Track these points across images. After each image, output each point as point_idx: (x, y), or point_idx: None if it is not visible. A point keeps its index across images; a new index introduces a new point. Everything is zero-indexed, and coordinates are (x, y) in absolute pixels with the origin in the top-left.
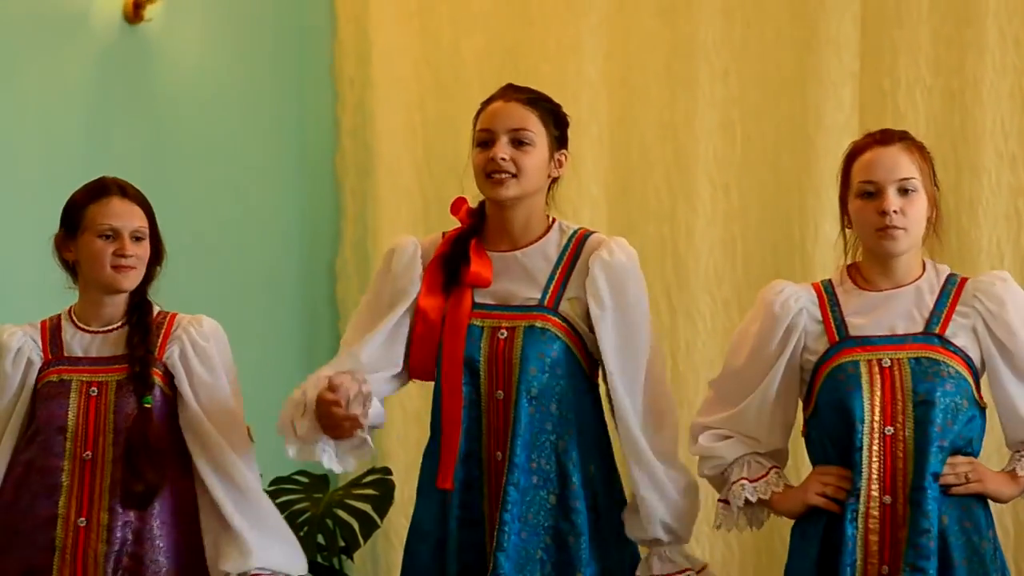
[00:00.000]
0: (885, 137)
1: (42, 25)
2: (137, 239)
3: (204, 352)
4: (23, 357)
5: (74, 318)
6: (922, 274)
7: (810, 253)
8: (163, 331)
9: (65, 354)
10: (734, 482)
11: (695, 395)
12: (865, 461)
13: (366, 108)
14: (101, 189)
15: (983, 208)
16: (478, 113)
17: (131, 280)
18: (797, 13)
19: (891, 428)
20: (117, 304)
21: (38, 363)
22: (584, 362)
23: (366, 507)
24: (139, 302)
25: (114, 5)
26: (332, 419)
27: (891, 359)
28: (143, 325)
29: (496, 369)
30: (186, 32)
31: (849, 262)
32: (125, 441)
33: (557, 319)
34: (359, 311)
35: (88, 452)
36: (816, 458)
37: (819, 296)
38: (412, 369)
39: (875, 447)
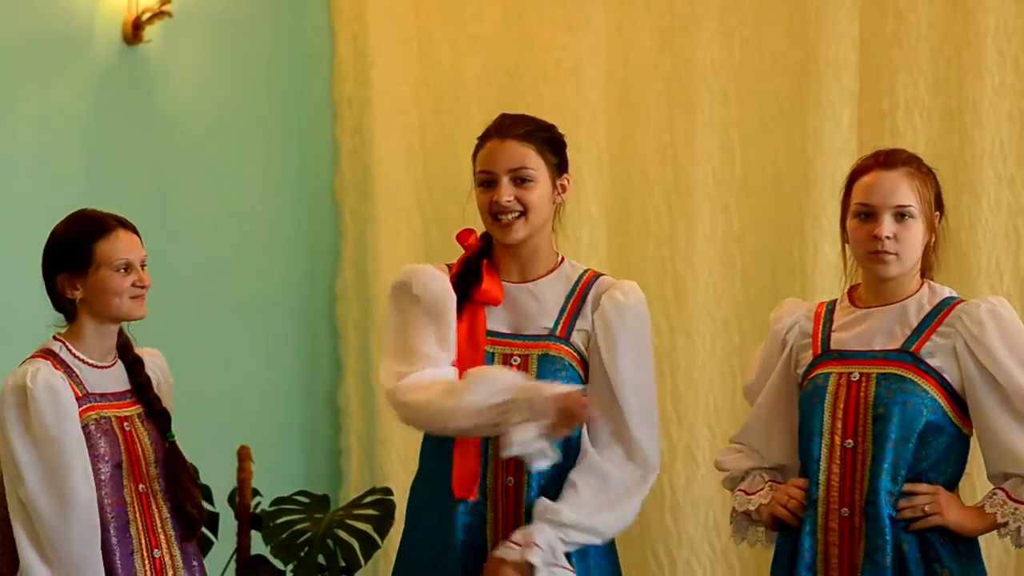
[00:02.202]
0: (889, 160)
1: (42, 46)
2: (143, 267)
3: (167, 383)
4: (70, 393)
5: (77, 354)
6: (914, 293)
7: (809, 274)
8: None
9: (90, 391)
10: (734, 494)
11: (695, 414)
12: (824, 473)
13: (365, 130)
14: (101, 224)
15: (982, 228)
16: (476, 150)
17: (145, 309)
18: (796, 35)
19: (851, 441)
20: (114, 336)
21: (73, 404)
22: None
23: (367, 527)
24: (126, 342)
25: (114, 26)
26: (572, 415)
27: (861, 374)
28: (138, 359)
29: None
30: (185, 53)
31: (850, 278)
32: (166, 476)
33: (569, 348)
34: (403, 331)
35: (142, 486)
36: (799, 469)
37: (817, 314)
38: None
39: (836, 459)
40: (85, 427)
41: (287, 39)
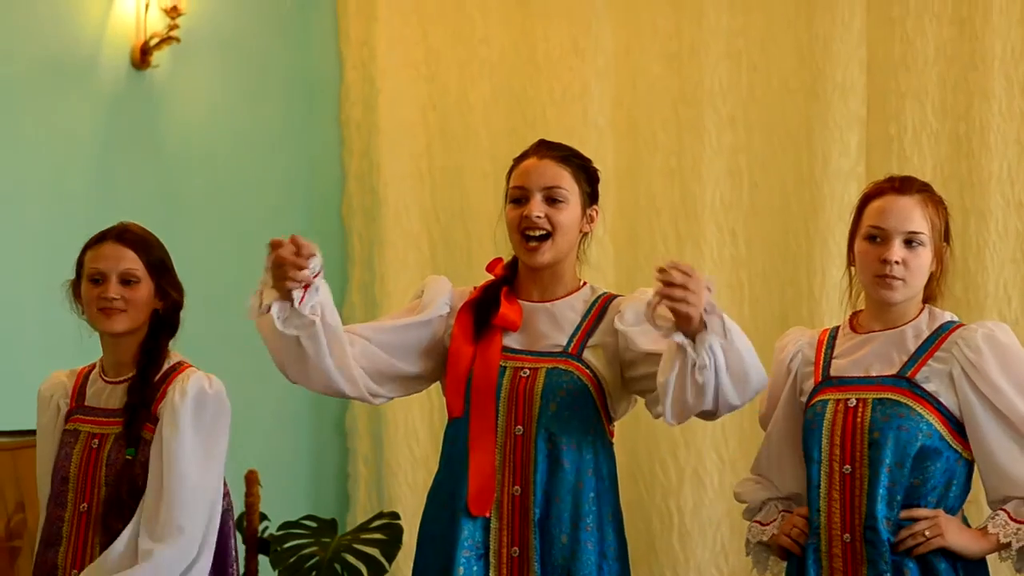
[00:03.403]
0: (903, 186)
1: (50, 71)
2: (126, 282)
3: (175, 411)
4: (54, 404)
5: (100, 367)
6: (915, 318)
7: (817, 298)
8: (165, 383)
9: (84, 403)
10: (750, 525)
11: (702, 439)
12: (824, 499)
13: (373, 154)
14: (101, 235)
15: (989, 252)
16: (511, 170)
17: (118, 323)
18: (803, 59)
19: (849, 467)
20: (127, 351)
21: (64, 410)
22: (603, 411)
23: (374, 551)
24: (149, 351)
25: (122, 51)
26: (279, 263)
27: (857, 399)
28: (144, 377)
29: (516, 406)
30: (193, 78)
31: (853, 303)
32: (110, 490)
33: (580, 365)
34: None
35: (85, 504)
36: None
37: (820, 341)
38: (447, 407)
39: (835, 485)
40: (63, 437)
41: (295, 64)
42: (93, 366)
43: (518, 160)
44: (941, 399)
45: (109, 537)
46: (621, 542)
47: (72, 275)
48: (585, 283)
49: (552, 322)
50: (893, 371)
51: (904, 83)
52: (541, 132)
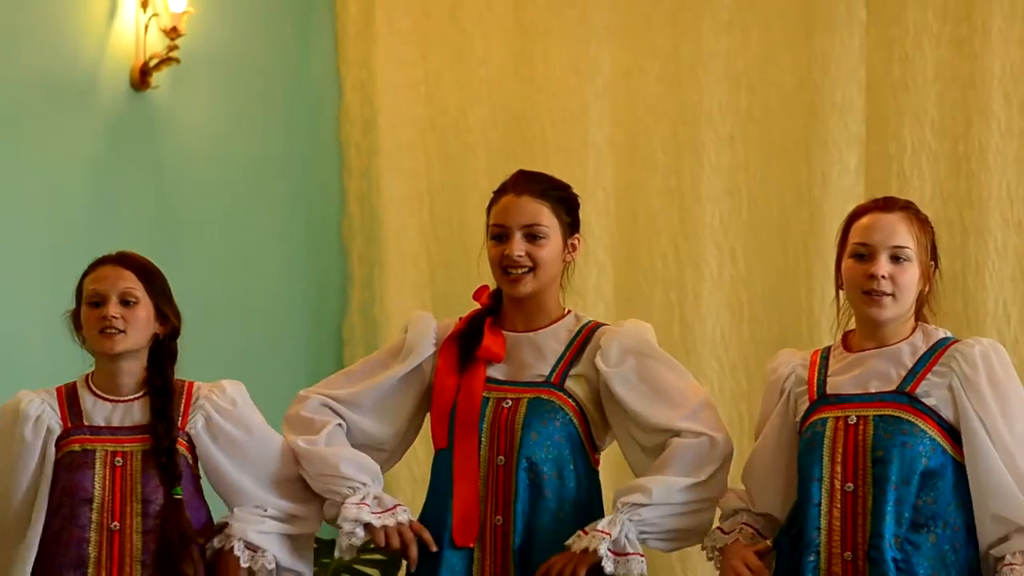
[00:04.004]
0: (887, 204)
1: (49, 92)
2: (126, 303)
3: (231, 415)
4: (43, 425)
5: (92, 387)
6: (909, 336)
7: (817, 317)
8: (183, 401)
9: (85, 423)
10: (713, 529)
11: None
12: (824, 517)
13: (372, 175)
14: (99, 260)
15: (989, 271)
16: (491, 204)
17: (119, 344)
18: (802, 79)
19: (851, 485)
20: (132, 373)
21: (57, 431)
22: (586, 441)
23: (374, 572)
24: (157, 375)
25: (121, 72)
26: (398, 545)
27: (858, 417)
28: (165, 397)
29: (498, 436)
30: (193, 99)
31: (843, 323)
32: (159, 531)
33: (563, 394)
34: (365, 361)
35: (116, 523)
36: (796, 513)
37: (812, 361)
38: (432, 436)
39: (836, 503)
40: (65, 457)
41: (294, 85)
42: (70, 385)
43: (497, 194)
44: (941, 413)
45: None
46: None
47: (71, 298)
48: (569, 311)
49: (535, 352)
50: (892, 387)
51: (903, 103)
52: (540, 153)
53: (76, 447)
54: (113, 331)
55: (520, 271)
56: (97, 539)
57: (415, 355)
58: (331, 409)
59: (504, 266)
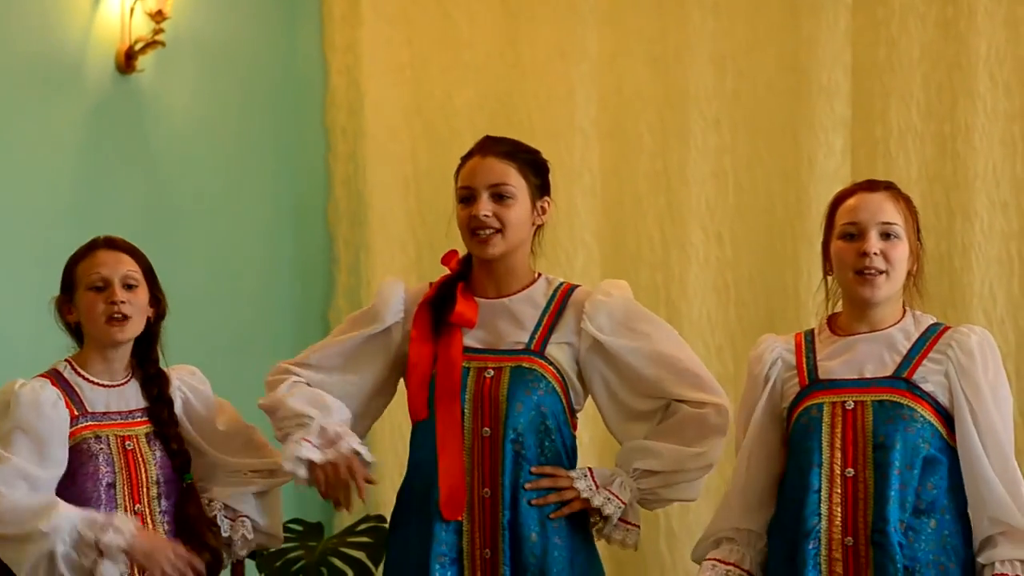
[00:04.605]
0: (872, 185)
1: (34, 76)
2: (129, 286)
3: (202, 395)
4: (62, 407)
5: (82, 372)
6: (900, 320)
7: (803, 300)
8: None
9: (90, 409)
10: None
11: None
12: (825, 503)
13: (358, 158)
14: (90, 245)
15: (975, 253)
16: (458, 169)
17: (127, 332)
18: (788, 62)
19: (851, 470)
20: (122, 358)
21: (68, 418)
22: (567, 407)
23: (361, 555)
24: (150, 362)
25: (107, 55)
26: (337, 483)
27: (855, 402)
28: (160, 384)
29: (482, 407)
30: (178, 83)
31: (832, 310)
32: (172, 512)
33: (544, 362)
34: (334, 331)
35: (139, 505)
36: (784, 500)
37: (797, 345)
38: (409, 410)
39: (836, 489)
40: (79, 445)
41: (280, 69)
42: (56, 373)
43: (464, 159)
44: (938, 398)
45: (203, 552)
46: (588, 536)
47: (56, 280)
48: (540, 275)
49: (511, 318)
50: (889, 372)
51: (889, 84)
52: (527, 136)
53: (89, 434)
54: (120, 316)
55: (487, 232)
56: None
57: (380, 319)
58: (294, 373)
59: (472, 227)
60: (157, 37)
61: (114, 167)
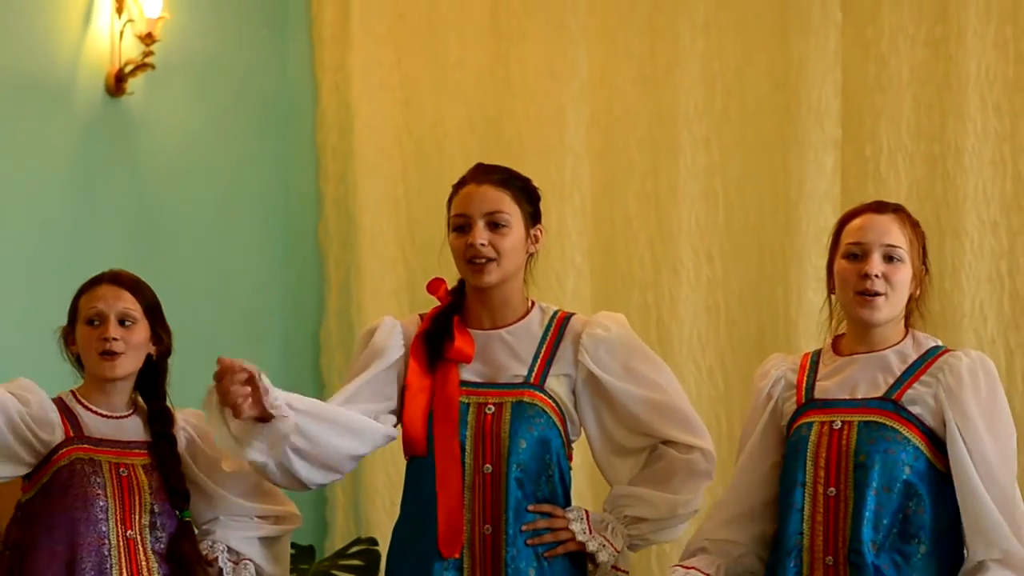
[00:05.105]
0: (880, 206)
1: (24, 98)
2: (124, 323)
3: (209, 437)
4: (54, 425)
5: (82, 401)
6: (900, 342)
7: (794, 319)
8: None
9: (86, 434)
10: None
11: None
12: (807, 521)
13: (349, 179)
14: (95, 279)
15: (966, 272)
16: (451, 196)
17: (120, 369)
18: (778, 81)
19: (833, 489)
20: (122, 392)
21: (59, 436)
22: (565, 439)
23: None
24: (154, 398)
25: (96, 78)
26: (224, 392)
27: (843, 422)
28: (166, 429)
29: (484, 444)
30: (168, 105)
31: (834, 328)
32: (171, 551)
33: (544, 395)
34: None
35: (131, 531)
36: (779, 518)
37: (802, 364)
38: (404, 445)
39: (819, 508)
40: (71, 465)
41: (270, 90)
42: (59, 400)
43: (457, 187)
44: (926, 421)
45: None
46: (584, 573)
47: (47, 305)
48: (534, 303)
49: (508, 350)
50: (879, 393)
51: (879, 104)
52: (517, 156)
53: (82, 455)
54: (112, 353)
55: (483, 260)
56: (117, 544)
57: (388, 354)
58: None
59: (468, 256)
60: (147, 59)
61: (104, 189)
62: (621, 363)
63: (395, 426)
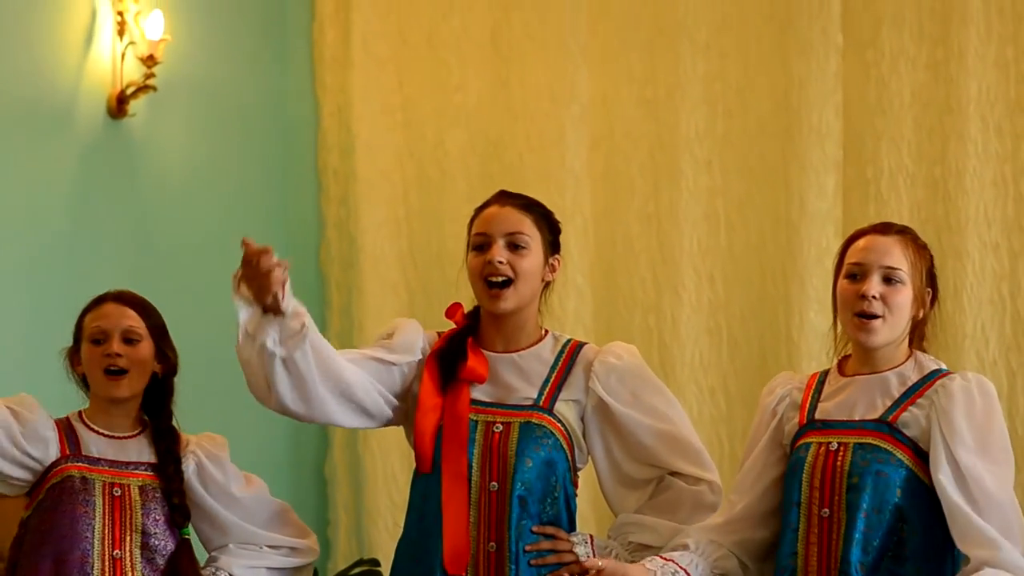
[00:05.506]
0: (884, 227)
1: (26, 120)
2: (129, 340)
3: (221, 462)
4: (48, 442)
5: (87, 422)
6: (901, 364)
7: (796, 341)
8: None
9: (83, 452)
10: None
11: None
12: (801, 542)
13: (350, 201)
14: (99, 298)
15: (967, 294)
16: (473, 218)
17: (124, 389)
18: (779, 103)
19: (827, 510)
20: (127, 413)
21: (54, 453)
22: (571, 465)
23: None
24: (160, 417)
25: (98, 100)
26: (253, 271)
27: (839, 443)
28: (171, 448)
29: (490, 462)
30: (170, 127)
31: (840, 348)
32: (156, 563)
33: (552, 419)
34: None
35: (117, 551)
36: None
37: (809, 384)
38: (416, 459)
39: (813, 529)
40: (63, 482)
41: (272, 112)
42: (64, 420)
43: (480, 209)
44: (920, 444)
45: None
46: None
47: (48, 327)
48: (547, 331)
49: (519, 374)
50: (876, 415)
51: (880, 126)
52: (518, 178)
53: (75, 473)
54: (116, 369)
55: (501, 280)
56: (100, 565)
57: (405, 352)
58: None
59: (485, 275)
60: (148, 81)
61: (105, 211)
62: (631, 392)
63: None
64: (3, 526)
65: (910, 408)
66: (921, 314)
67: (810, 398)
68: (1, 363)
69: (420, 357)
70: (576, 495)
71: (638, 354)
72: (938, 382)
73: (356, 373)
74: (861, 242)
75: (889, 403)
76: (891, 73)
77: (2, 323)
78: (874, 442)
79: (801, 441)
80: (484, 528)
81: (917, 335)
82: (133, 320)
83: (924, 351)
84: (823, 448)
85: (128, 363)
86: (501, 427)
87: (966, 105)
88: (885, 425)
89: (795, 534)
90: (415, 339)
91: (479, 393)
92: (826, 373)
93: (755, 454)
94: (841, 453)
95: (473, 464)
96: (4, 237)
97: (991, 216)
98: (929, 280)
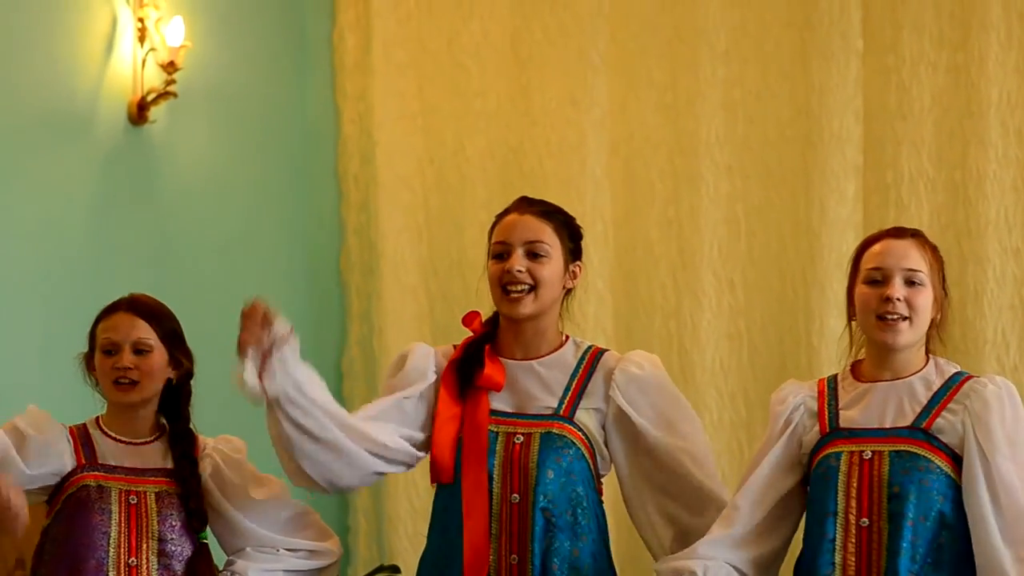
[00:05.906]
0: (898, 232)
1: (47, 127)
2: (140, 352)
3: (238, 465)
4: (62, 454)
5: (104, 428)
6: (922, 368)
7: (816, 347)
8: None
9: (100, 461)
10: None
11: None
12: (840, 552)
13: (371, 207)
14: (112, 306)
15: (988, 299)
16: (493, 226)
17: (133, 396)
18: (799, 109)
19: (866, 520)
20: (146, 418)
21: (70, 466)
22: (594, 473)
23: None
24: (177, 420)
25: (118, 106)
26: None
27: (873, 451)
28: (188, 451)
29: (511, 473)
30: (190, 133)
31: (855, 355)
32: (172, 569)
33: (573, 428)
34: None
35: (133, 559)
36: (804, 548)
37: (820, 391)
38: (432, 472)
39: (851, 539)
40: (79, 492)
41: (292, 118)
42: (81, 426)
43: (500, 216)
44: (956, 450)
45: None
46: None
47: (67, 333)
48: (568, 337)
49: (539, 382)
50: (907, 422)
51: (900, 131)
52: (539, 184)
53: (91, 482)
54: (127, 381)
55: (520, 288)
56: (116, 572)
57: (420, 380)
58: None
59: (504, 283)
60: (169, 88)
61: (126, 218)
62: (651, 403)
63: (419, 452)
64: (27, 535)
65: (943, 414)
66: (939, 317)
67: (827, 406)
68: (22, 369)
69: (435, 378)
70: (602, 501)
71: (660, 364)
72: (967, 385)
73: (382, 432)
74: (877, 247)
75: (919, 409)
76: (911, 78)
77: (23, 329)
78: (912, 449)
79: (828, 450)
80: (506, 540)
81: (933, 338)
82: (143, 331)
83: (936, 354)
84: (856, 456)
85: (139, 375)
86: (522, 438)
87: (986, 110)
88: (921, 432)
89: (832, 544)
90: (426, 363)
91: (499, 403)
92: (835, 378)
93: (766, 463)
94: (877, 461)
95: (494, 476)
96: (25, 244)
97: (1011, 220)
98: (943, 282)
